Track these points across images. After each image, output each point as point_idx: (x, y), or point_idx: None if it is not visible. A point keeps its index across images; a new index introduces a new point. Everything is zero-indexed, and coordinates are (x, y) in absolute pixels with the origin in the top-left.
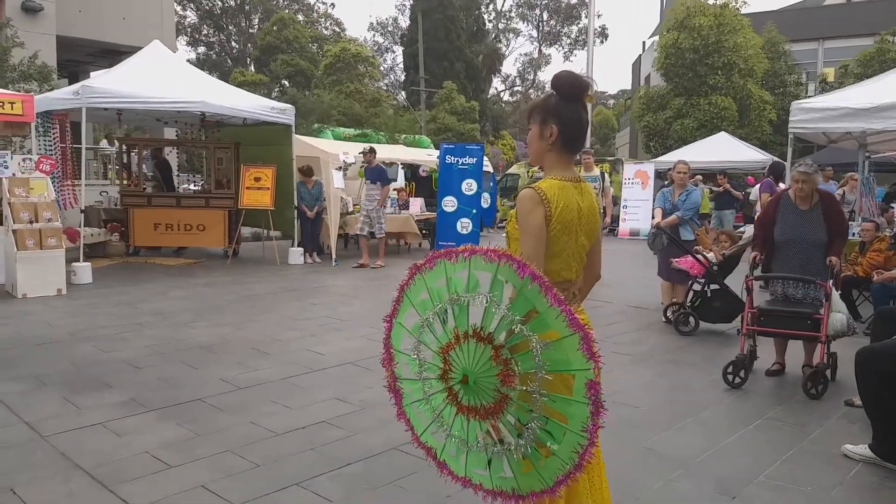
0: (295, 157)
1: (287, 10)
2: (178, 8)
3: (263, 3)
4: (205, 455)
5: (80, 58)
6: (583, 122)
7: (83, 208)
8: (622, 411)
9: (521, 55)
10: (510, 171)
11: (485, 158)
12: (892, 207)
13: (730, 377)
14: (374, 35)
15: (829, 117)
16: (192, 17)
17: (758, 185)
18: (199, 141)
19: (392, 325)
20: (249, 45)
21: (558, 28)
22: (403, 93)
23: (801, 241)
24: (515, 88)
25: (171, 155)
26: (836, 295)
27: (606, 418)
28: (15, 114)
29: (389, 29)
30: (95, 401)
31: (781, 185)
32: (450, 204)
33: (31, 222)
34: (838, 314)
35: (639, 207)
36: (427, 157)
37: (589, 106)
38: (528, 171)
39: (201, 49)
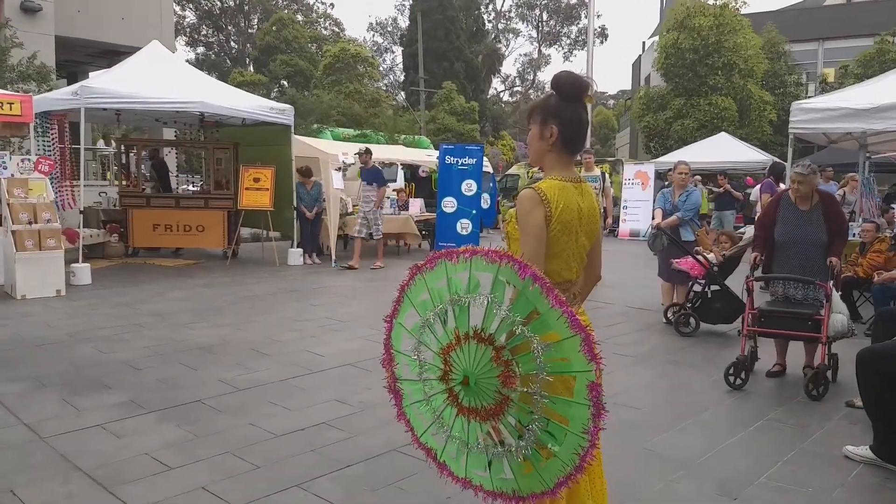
0: (294, 157)
1: (286, 11)
2: (177, 8)
3: (262, 4)
4: (205, 456)
5: (78, 58)
6: (583, 122)
7: (82, 209)
8: (623, 412)
9: (520, 55)
10: (510, 171)
11: (484, 159)
12: (893, 208)
13: (731, 378)
14: (373, 35)
15: (830, 118)
16: (190, 17)
17: (758, 186)
18: (198, 141)
19: (392, 325)
20: (248, 45)
21: (558, 28)
22: (403, 93)
23: (802, 242)
24: (515, 89)
25: (170, 156)
26: (836, 296)
27: (607, 419)
28: (13, 114)
29: (389, 29)
30: (95, 402)
31: (782, 186)
32: (449, 205)
33: (30, 223)
34: (839, 315)
35: (639, 208)
36: (426, 157)
37: (589, 106)
38: (528, 172)
39: (200, 49)
